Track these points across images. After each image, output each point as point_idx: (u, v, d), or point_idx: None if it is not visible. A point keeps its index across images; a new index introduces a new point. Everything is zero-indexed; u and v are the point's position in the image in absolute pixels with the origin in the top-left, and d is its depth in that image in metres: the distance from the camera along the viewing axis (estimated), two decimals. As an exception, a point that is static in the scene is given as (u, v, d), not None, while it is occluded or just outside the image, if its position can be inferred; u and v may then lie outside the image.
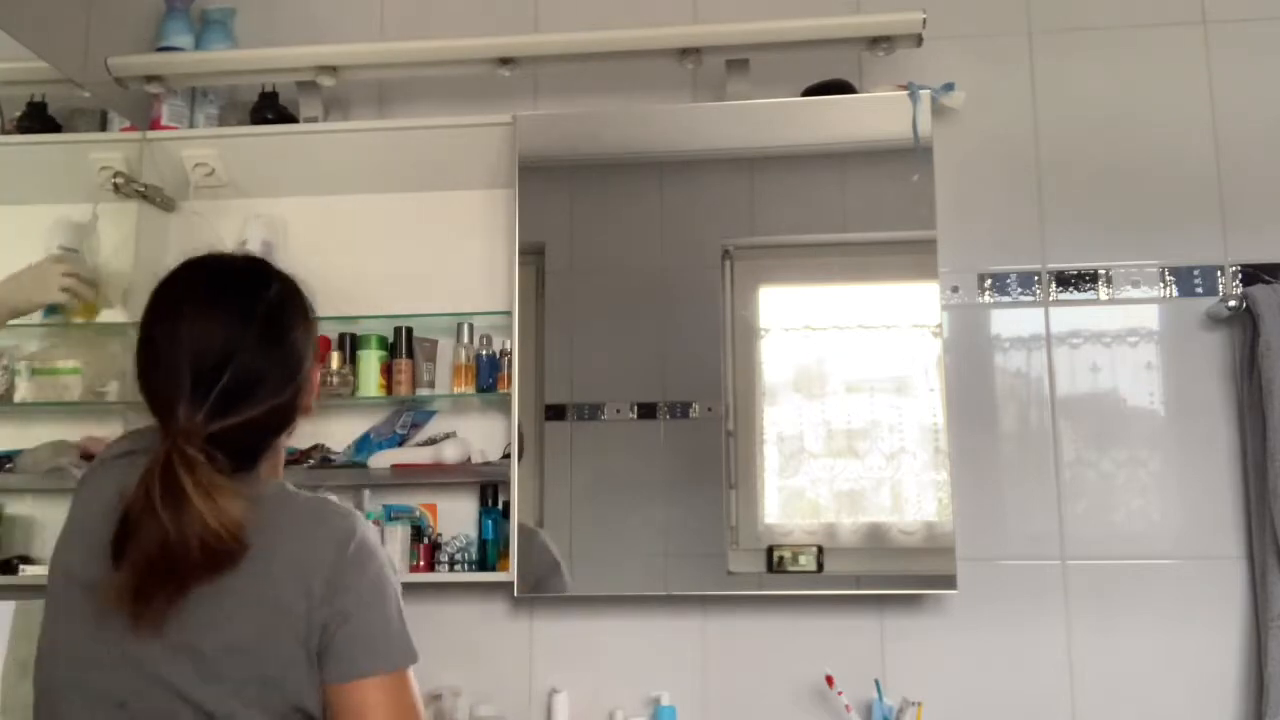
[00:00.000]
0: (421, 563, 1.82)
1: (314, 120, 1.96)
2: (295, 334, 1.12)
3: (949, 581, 1.72)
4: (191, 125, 2.00)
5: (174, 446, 1.00)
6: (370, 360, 1.89)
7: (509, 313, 1.85)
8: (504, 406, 1.88)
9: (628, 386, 1.83)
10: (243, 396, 1.04)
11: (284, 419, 1.11)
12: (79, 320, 1.85)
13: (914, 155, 1.80)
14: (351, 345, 1.91)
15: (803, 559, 1.76)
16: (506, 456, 1.83)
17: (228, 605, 1.01)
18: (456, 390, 1.88)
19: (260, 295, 1.10)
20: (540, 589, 1.79)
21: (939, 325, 1.79)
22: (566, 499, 1.81)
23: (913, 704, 1.70)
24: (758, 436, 1.81)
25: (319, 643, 1.02)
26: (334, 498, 1.10)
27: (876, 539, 1.76)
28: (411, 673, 1.06)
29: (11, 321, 1.88)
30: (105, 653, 1.02)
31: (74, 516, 1.11)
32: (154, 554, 0.98)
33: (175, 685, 1.00)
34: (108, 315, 1.89)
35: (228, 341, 1.05)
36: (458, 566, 1.83)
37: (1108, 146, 1.90)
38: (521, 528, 1.78)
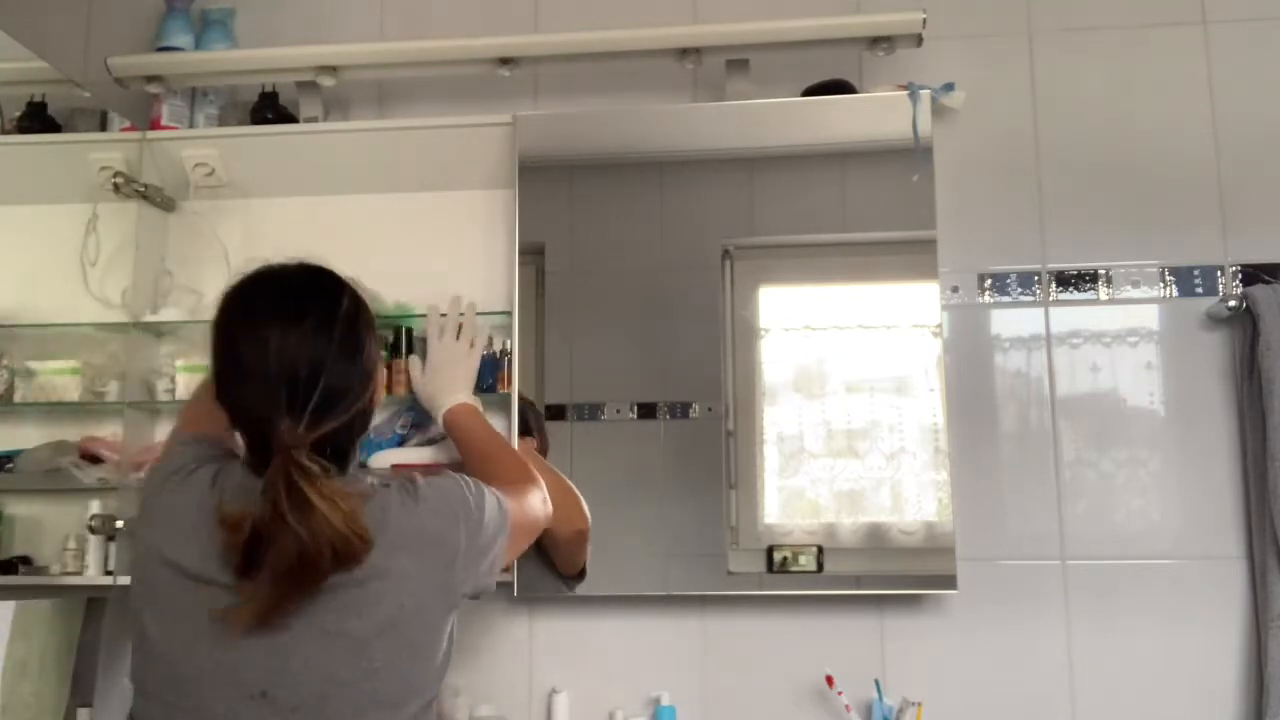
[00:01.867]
0: (421, 563, 1.82)
1: (314, 120, 1.96)
2: (368, 341, 1.19)
3: (949, 581, 1.72)
4: (191, 125, 2.00)
5: (289, 459, 1.06)
6: (370, 360, 1.89)
7: (509, 313, 1.85)
8: (504, 406, 1.87)
9: (628, 386, 1.83)
10: (332, 406, 1.11)
11: (365, 420, 1.20)
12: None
13: (914, 155, 1.80)
14: (351, 345, 1.90)
15: (803, 559, 1.76)
16: (506, 456, 1.83)
17: (373, 589, 1.10)
18: (457, 390, 1.88)
19: (337, 307, 1.17)
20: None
21: (939, 325, 1.79)
22: (566, 499, 1.81)
23: (913, 704, 1.70)
24: (758, 436, 1.81)
25: (470, 589, 1.19)
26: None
27: (876, 539, 1.76)
28: (512, 497, 1.31)
29: (10, 322, 1.89)
30: (233, 644, 1.08)
31: (167, 519, 1.15)
32: (293, 564, 1.04)
33: (324, 669, 1.07)
34: (107, 315, 1.90)
35: (315, 356, 1.11)
36: (458, 566, 1.83)
37: (1108, 146, 1.90)
38: None
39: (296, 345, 1.11)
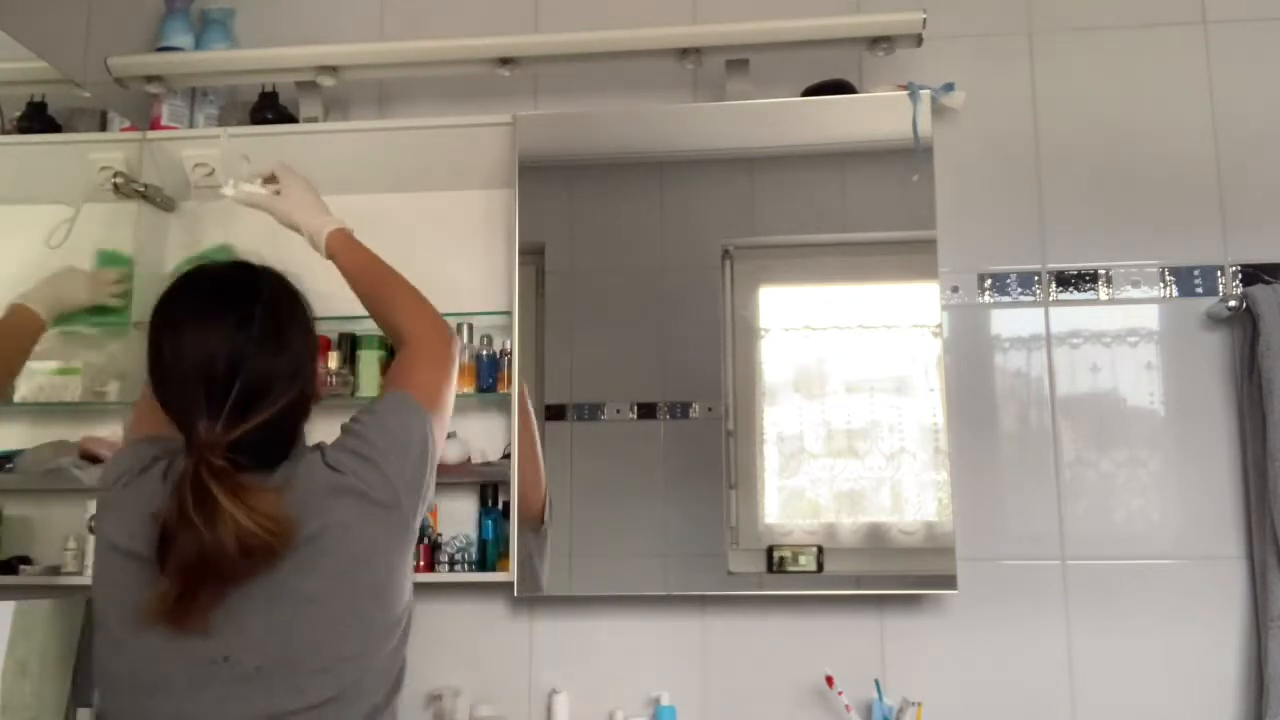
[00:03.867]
0: (421, 563, 1.82)
1: (314, 120, 1.96)
2: (293, 332, 1.17)
3: (949, 581, 1.72)
4: (191, 125, 2.00)
5: (199, 459, 1.05)
6: (370, 360, 1.89)
7: (509, 313, 1.85)
8: (504, 406, 1.88)
9: (628, 386, 1.83)
10: (256, 401, 1.10)
11: (298, 413, 1.17)
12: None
13: (914, 155, 1.80)
14: (351, 345, 1.91)
15: (803, 559, 1.76)
16: (506, 456, 1.83)
17: (319, 544, 1.10)
18: (456, 390, 1.88)
19: (255, 300, 1.15)
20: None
21: (939, 325, 1.79)
22: (566, 499, 1.81)
23: (913, 704, 1.70)
24: (758, 436, 1.81)
25: (425, 507, 1.22)
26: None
27: (876, 539, 1.76)
28: (418, 374, 1.30)
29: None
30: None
31: (121, 514, 1.15)
32: (192, 561, 1.04)
33: (285, 628, 1.08)
34: (107, 314, 1.89)
35: (233, 352, 1.10)
36: (458, 566, 1.83)
37: (1108, 146, 1.90)
38: None
39: (214, 343, 1.10)
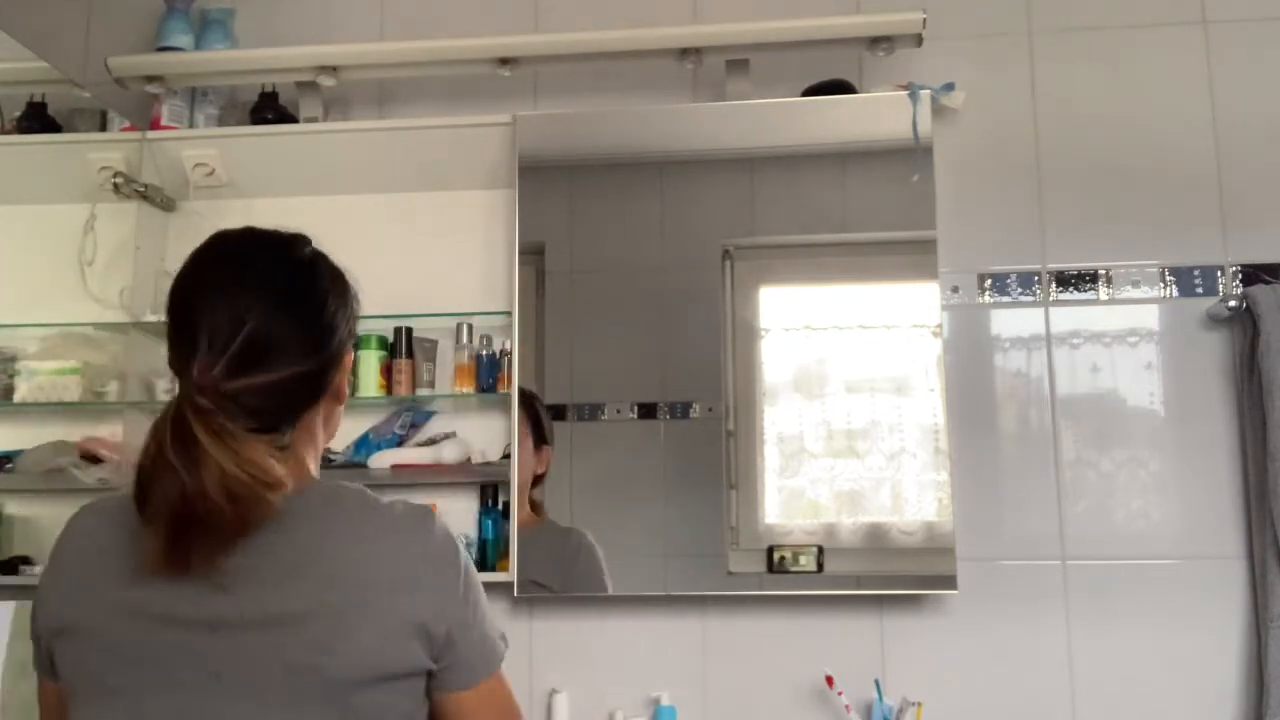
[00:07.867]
0: (421, 563, 1.82)
1: (314, 120, 1.96)
2: (322, 304, 1.08)
3: (949, 582, 1.72)
4: (191, 125, 2.00)
5: (186, 397, 0.96)
6: (370, 360, 1.89)
7: (509, 313, 1.85)
8: (504, 406, 1.88)
9: (628, 386, 1.83)
10: (261, 358, 1.00)
11: (311, 389, 1.06)
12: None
13: (914, 155, 1.80)
14: (354, 346, 1.90)
15: (803, 559, 1.76)
16: (506, 456, 1.83)
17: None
18: (456, 390, 1.88)
19: (283, 262, 1.07)
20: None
21: (939, 325, 1.79)
22: (567, 499, 1.81)
23: (913, 704, 1.70)
24: (758, 436, 1.81)
25: (437, 651, 0.99)
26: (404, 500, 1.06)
27: (876, 539, 1.76)
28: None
29: (11, 321, 1.89)
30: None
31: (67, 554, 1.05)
32: (176, 506, 0.93)
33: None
34: (107, 314, 1.90)
35: (244, 303, 1.01)
36: (458, 566, 1.83)
37: (1108, 146, 1.90)
38: (566, 530, 1.80)
39: (225, 292, 1.01)
